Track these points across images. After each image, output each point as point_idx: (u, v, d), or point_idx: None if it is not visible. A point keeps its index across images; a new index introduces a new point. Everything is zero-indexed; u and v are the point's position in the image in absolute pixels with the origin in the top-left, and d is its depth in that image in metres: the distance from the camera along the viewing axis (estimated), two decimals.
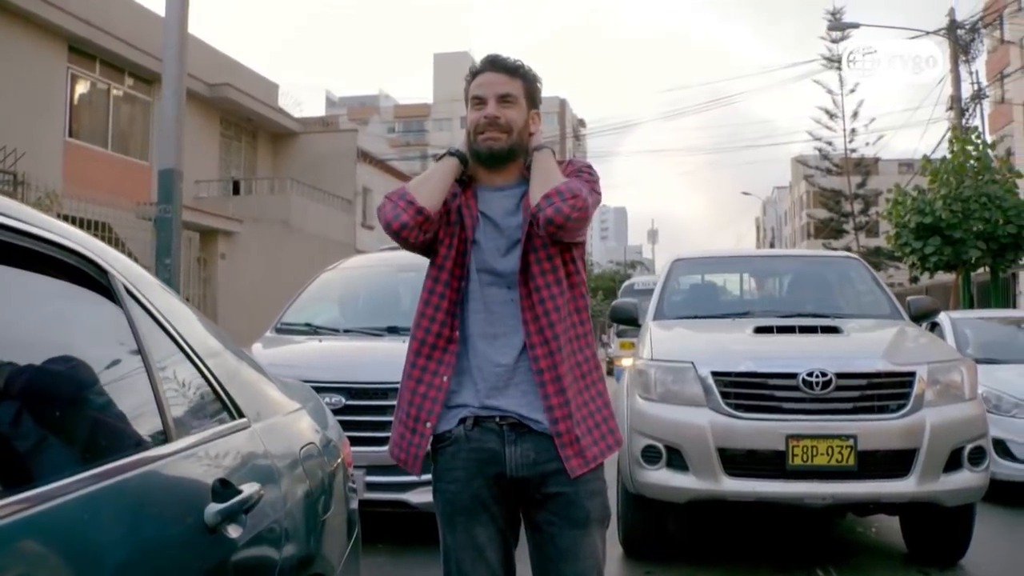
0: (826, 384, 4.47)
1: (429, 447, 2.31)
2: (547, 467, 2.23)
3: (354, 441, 3.28)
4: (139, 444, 1.63)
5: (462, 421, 2.27)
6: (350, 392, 5.09)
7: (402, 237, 2.28)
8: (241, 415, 2.06)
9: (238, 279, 17.72)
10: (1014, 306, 19.38)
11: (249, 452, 2.02)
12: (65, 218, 12.69)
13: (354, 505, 2.79)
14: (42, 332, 1.58)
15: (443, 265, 2.33)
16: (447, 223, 2.35)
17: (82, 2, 16.79)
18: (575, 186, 2.22)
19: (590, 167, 2.41)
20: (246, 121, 24.21)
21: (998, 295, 17.25)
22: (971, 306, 16.42)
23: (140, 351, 1.72)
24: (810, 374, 4.49)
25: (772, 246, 75.21)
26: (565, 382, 2.23)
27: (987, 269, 16.46)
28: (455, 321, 2.31)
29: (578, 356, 2.33)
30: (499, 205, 2.35)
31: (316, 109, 67.26)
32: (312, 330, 6.40)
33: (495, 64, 2.35)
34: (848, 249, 41.41)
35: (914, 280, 20.25)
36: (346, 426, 3.26)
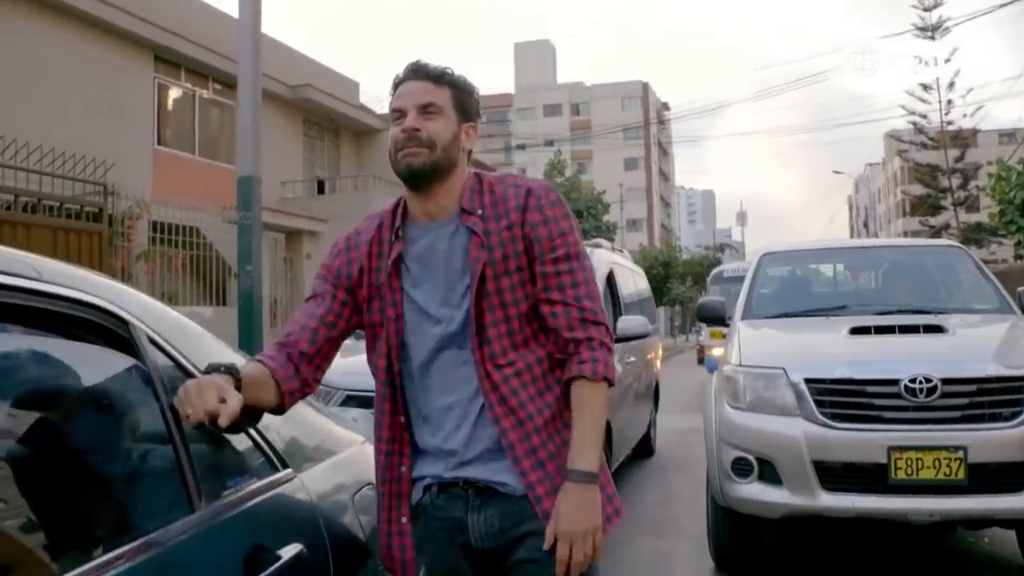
0: (931, 391, 4.14)
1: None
2: (515, 532, 1.92)
3: None
4: (159, 518, 1.48)
5: (427, 489, 1.98)
6: None
7: None
8: (285, 465, 1.91)
9: None
10: None
11: (291, 508, 1.87)
12: (155, 224, 12.99)
13: None
14: (49, 400, 1.45)
15: (380, 350, 2.02)
16: (379, 297, 2.01)
17: (165, 12, 17.13)
18: (603, 356, 1.92)
19: (577, 248, 1.98)
20: (328, 121, 24.43)
21: None
22: None
23: (162, 410, 1.58)
24: (913, 380, 4.16)
25: (866, 225, 73.13)
26: (542, 453, 1.91)
27: None
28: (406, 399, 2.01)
29: (565, 417, 1.96)
30: (434, 248, 1.98)
31: None
32: None
33: (417, 72, 1.99)
34: (947, 226, 40.00)
35: (1019, 257, 19.33)
36: None
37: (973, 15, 53.68)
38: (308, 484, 1.96)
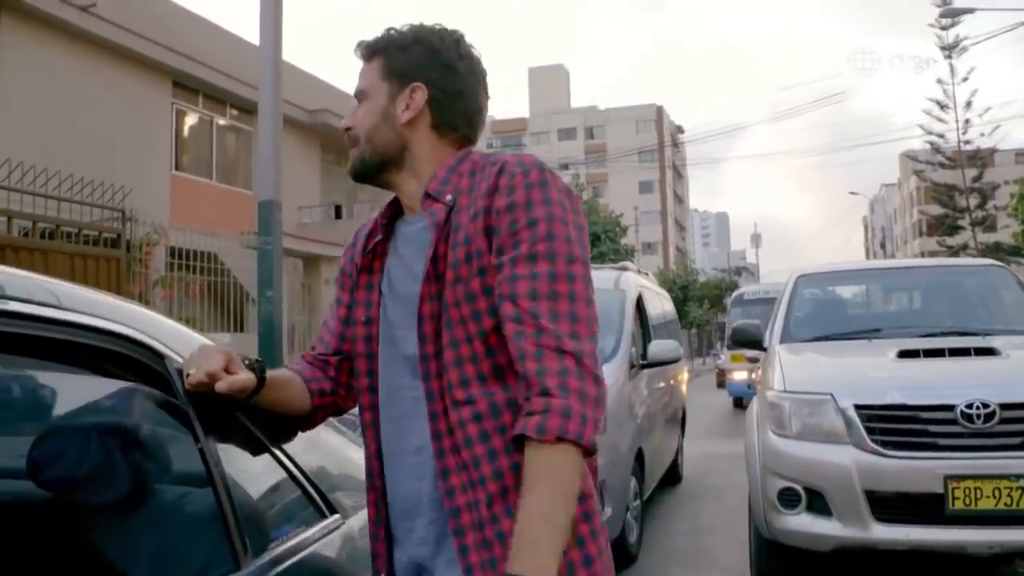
0: (989, 416, 3.95)
1: None
2: None
3: None
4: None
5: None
6: None
7: None
8: (333, 511, 1.75)
9: None
10: None
11: (339, 558, 1.70)
12: (173, 250, 12.91)
13: None
14: (73, 443, 1.30)
15: (356, 366, 1.67)
16: (356, 299, 1.68)
17: (184, 38, 17.15)
18: (565, 404, 1.33)
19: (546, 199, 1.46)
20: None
21: None
22: None
23: (202, 453, 1.41)
24: (969, 405, 3.97)
25: (883, 246, 72.72)
26: (489, 531, 1.42)
27: None
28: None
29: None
30: (405, 246, 1.62)
31: None
32: None
33: (358, 52, 1.67)
34: (965, 246, 39.66)
35: None
36: None
37: (991, 34, 53.47)
38: (359, 531, 1.80)
